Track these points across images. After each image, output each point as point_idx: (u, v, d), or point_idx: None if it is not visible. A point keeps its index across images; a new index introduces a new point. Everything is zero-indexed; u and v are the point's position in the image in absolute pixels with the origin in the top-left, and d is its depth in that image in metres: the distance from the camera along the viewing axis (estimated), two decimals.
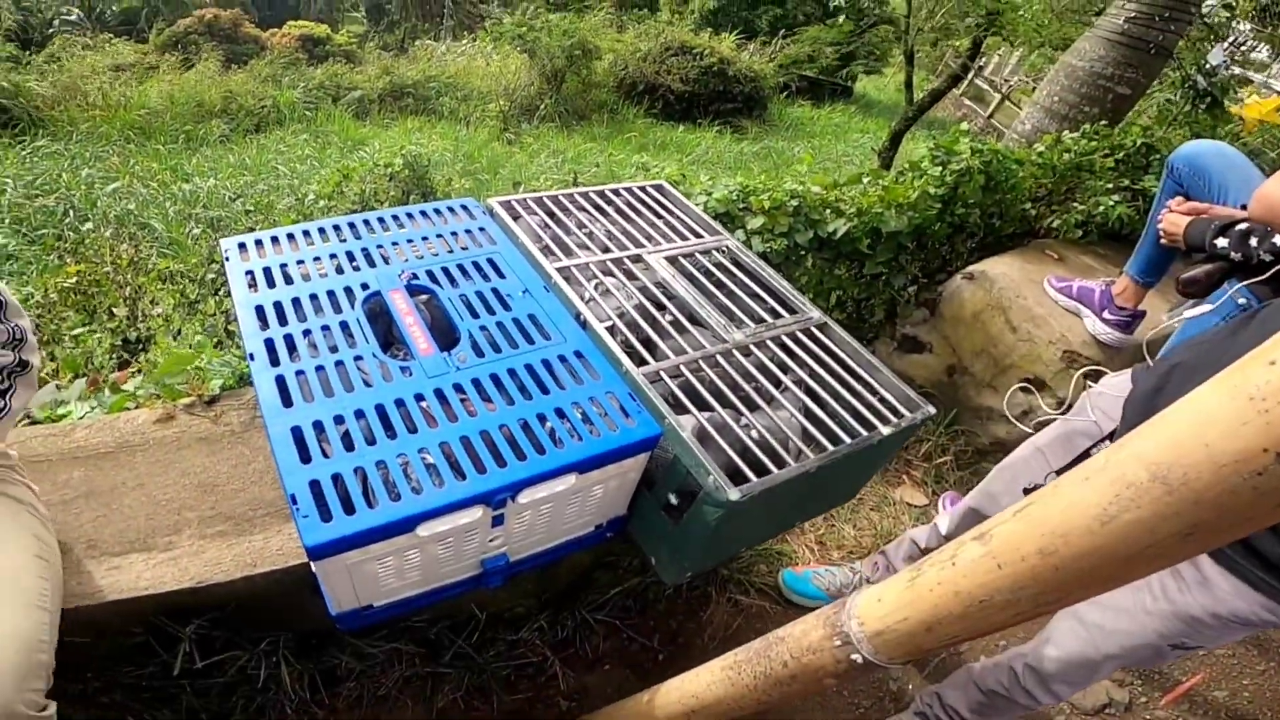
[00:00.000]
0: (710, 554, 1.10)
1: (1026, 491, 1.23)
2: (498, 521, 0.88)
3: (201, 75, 10.39)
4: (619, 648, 1.62)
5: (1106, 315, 2.00)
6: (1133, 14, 2.87)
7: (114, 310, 2.60)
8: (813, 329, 1.22)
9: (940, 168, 2.34)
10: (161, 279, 2.77)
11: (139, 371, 1.53)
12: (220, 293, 2.57)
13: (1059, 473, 1.18)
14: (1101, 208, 2.44)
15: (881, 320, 2.52)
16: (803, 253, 2.31)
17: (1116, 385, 1.18)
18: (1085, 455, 1.15)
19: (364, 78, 10.79)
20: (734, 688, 0.73)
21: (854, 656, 0.57)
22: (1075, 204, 2.51)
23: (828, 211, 2.29)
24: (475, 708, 1.44)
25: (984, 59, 13.47)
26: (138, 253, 3.02)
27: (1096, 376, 1.31)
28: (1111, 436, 1.12)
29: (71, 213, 5.44)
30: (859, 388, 1.11)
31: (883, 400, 1.10)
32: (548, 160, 7.62)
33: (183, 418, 1.23)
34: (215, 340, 2.37)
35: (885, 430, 1.03)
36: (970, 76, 14.05)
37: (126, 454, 1.17)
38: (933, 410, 1.09)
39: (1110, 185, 2.49)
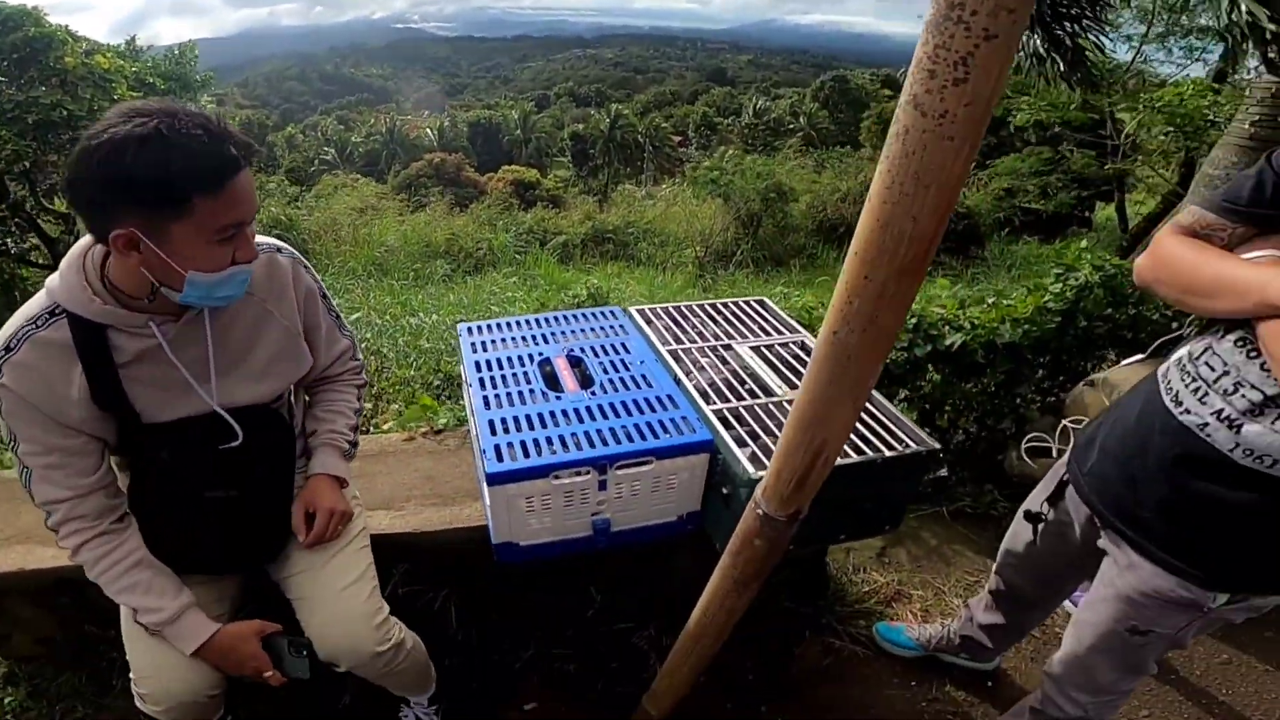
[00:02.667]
0: None
1: (1025, 514, 1.69)
2: (603, 486, 1.57)
3: (431, 217, 12.96)
4: (714, 667, 2.11)
5: None
6: (1256, 117, 3.19)
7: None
8: None
9: (1061, 284, 2.79)
10: (396, 384, 3.95)
11: (388, 421, 2.48)
12: (441, 396, 3.62)
13: (1048, 500, 1.63)
14: None
15: (1011, 430, 2.90)
16: (925, 365, 2.83)
17: None
18: (1061, 484, 1.59)
19: (568, 223, 12.76)
20: (716, 579, 1.31)
21: (759, 511, 1.14)
22: None
23: (946, 327, 2.82)
24: (587, 692, 2.05)
25: None
26: (379, 363, 4.29)
27: None
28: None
29: None
30: (881, 431, 1.66)
31: (896, 439, 1.64)
32: None
33: (419, 439, 2.12)
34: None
35: (888, 453, 1.57)
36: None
37: (383, 457, 2.07)
38: (936, 445, 1.61)
39: None
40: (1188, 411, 1.22)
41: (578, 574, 2.00)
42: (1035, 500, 1.69)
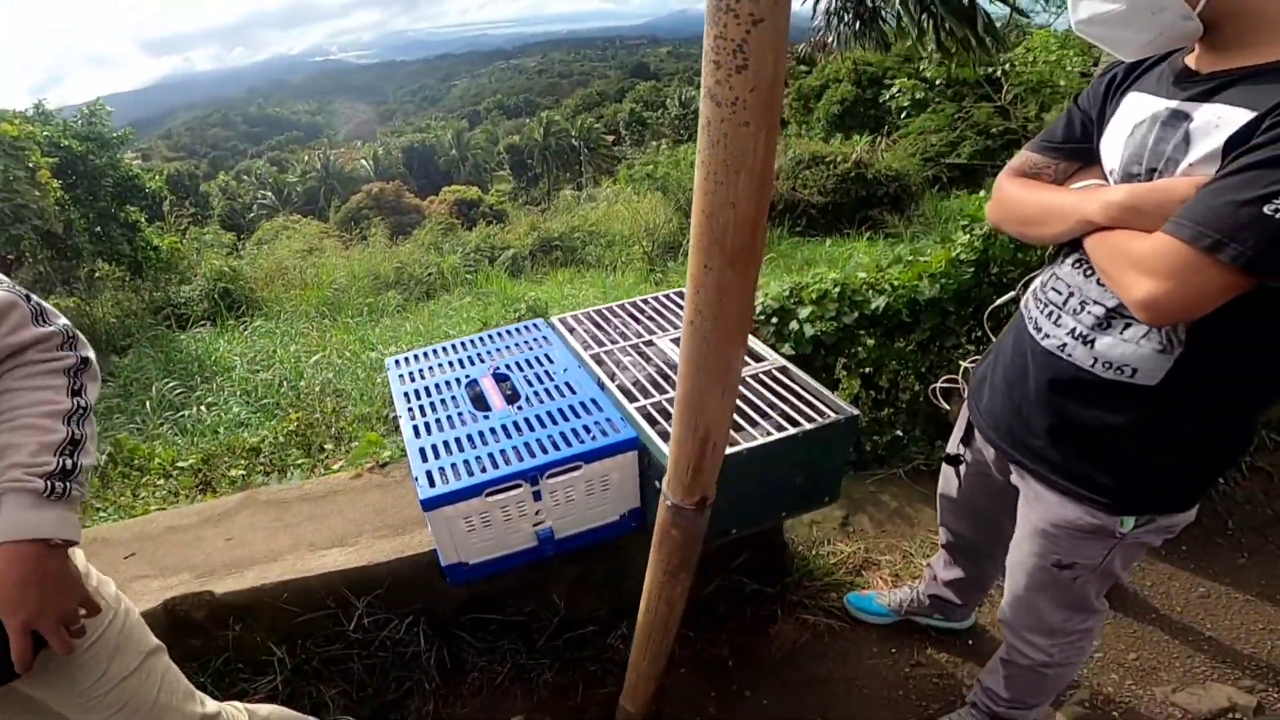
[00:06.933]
0: None
1: (946, 458, 1.70)
2: (537, 496, 1.58)
3: (374, 250, 12.77)
4: (693, 655, 2.14)
5: None
6: None
7: (324, 445, 3.69)
8: (774, 371, 1.83)
9: (968, 235, 2.84)
10: (354, 421, 3.90)
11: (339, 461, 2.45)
12: (394, 431, 3.57)
13: (962, 441, 1.64)
14: None
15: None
16: (857, 332, 2.86)
17: None
18: (969, 424, 1.59)
19: (514, 235, 12.74)
20: (649, 572, 1.32)
21: (668, 502, 1.16)
22: None
23: (870, 292, 2.85)
24: (568, 698, 2.04)
25: None
26: (339, 404, 4.24)
27: None
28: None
29: (285, 384, 7.12)
30: (800, 405, 1.68)
31: (817, 410, 1.66)
32: None
33: (366, 475, 2.11)
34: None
35: (808, 425, 1.59)
36: None
37: (333, 496, 2.06)
38: (855, 412, 1.63)
39: None
40: (1047, 336, 1.26)
41: (537, 584, 1.99)
42: (952, 443, 1.70)
